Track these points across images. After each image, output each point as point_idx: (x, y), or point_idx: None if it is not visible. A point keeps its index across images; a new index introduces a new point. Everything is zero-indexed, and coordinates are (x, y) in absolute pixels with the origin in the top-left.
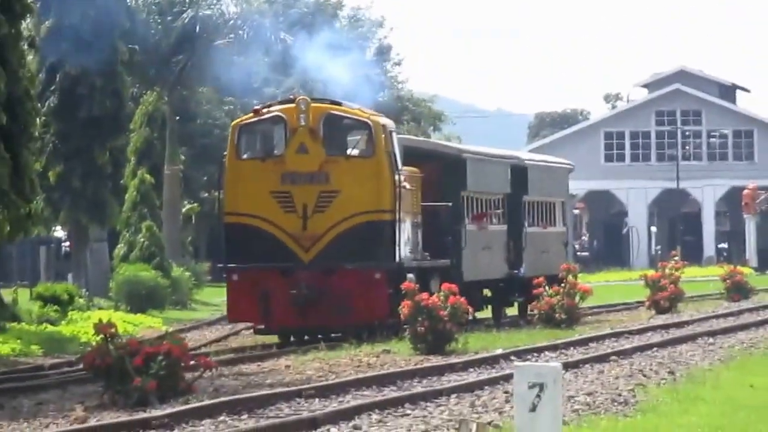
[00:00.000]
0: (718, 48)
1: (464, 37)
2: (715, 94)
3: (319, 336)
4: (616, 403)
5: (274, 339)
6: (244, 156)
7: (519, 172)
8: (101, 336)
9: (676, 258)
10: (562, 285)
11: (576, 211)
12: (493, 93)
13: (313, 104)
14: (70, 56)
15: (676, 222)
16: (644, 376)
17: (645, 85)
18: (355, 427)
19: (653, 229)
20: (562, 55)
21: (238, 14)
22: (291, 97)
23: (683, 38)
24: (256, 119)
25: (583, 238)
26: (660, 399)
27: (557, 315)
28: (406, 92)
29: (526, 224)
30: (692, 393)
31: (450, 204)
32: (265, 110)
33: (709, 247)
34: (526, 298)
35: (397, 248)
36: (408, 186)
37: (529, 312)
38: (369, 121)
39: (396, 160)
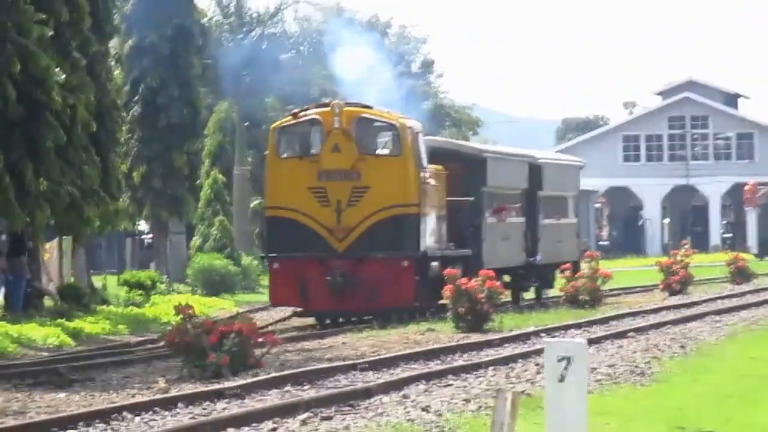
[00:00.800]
0: (722, 59)
1: (500, 50)
2: (720, 101)
3: (353, 318)
4: (633, 374)
5: (312, 321)
6: (284, 155)
7: (534, 170)
8: (180, 317)
9: (686, 246)
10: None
11: (598, 205)
12: (524, 101)
13: (346, 108)
14: (151, 71)
15: (686, 214)
16: (658, 350)
17: (658, 93)
18: (404, 396)
19: (666, 221)
20: (587, 67)
21: (299, 33)
22: (326, 101)
23: (692, 50)
24: (294, 122)
25: (604, 228)
26: (672, 370)
27: (581, 297)
28: (448, 101)
29: (541, 217)
30: (701, 365)
31: (472, 199)
32: (302, 113)
33: (715, 237)
34: (542, 283)
35: (422, 239)
36: (433, 182)
37: (558, 293)
38: (396, 123)
39: (421, 159)
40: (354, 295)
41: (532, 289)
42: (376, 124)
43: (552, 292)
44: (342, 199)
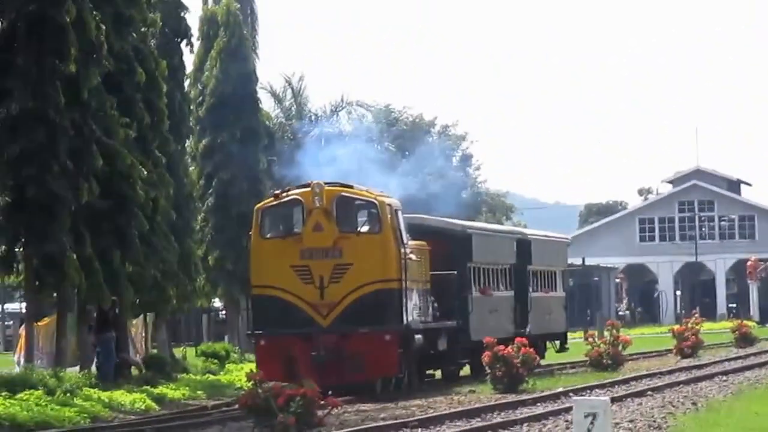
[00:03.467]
0: (726, 149)
1: (530, 143)
2: (725, 187)
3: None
4: (651, 428)
5: None
6: (267, 235)
7: (524, 245)
8: (252, 382)
9: (696, 315)
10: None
11: (617, 280)
12: (552, 188)
13: (326, 187)
14: (222, 167)
15: (696, 287)
16: (673, 406)
17: (669, 181)
18: None
19: (678, 293)
20: (606, 157)
21: (352, 131)
22: (307, 182)
23: (699, 141)
24: (276, 202)
25: (623, 301)
26: (686, 424)
27: (604, 360)
28: (484, 190)
29: (530, 290)
30: (711, 419)
31: (456, 273)
32: (284, 194)
33: (721, 306)
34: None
35: (404, 312)
36: (414, 257)
37: (584, 357)
38: (376, 201)
39: (402, 235)
40: (339, 368)
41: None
42: (356, 202)
43: (566, 357)
44: (325, 275)
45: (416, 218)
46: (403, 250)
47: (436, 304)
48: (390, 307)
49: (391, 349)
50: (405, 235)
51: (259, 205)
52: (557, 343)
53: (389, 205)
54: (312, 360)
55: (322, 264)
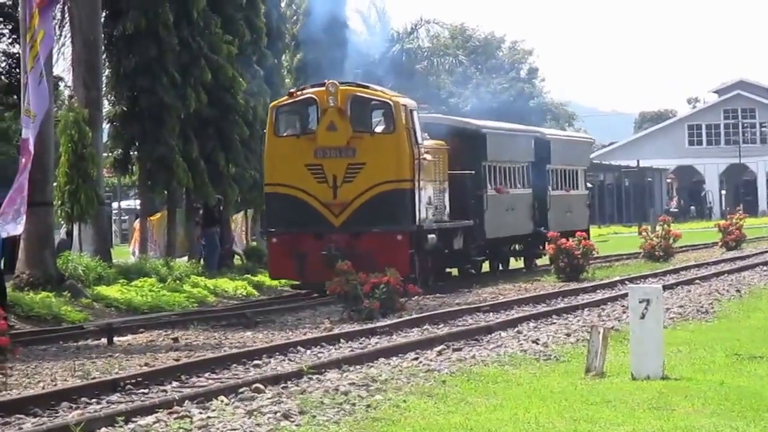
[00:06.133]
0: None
1: (590, 52)
2: (766, 96)
3: None
4: (699, 313)
5: None
6: (282, 133)
7: (542, 145)
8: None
9: (740, 212)
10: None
11: (668, 180)
12: (609, 97)
13: (341, 87)
14: (313, 79)
15: (739, 186)
16: (719, 293)
17: (715, 91)
18: (518, 332)
19: (723, 192)
20: (659, 68)
21: (430, 47)
22: (322, 82)
23: (742, 54)
24: (291, 101)
25: (674, 199)
26: (730, 309)
27: (657, 252)
28: (549, 99)
29: (550, 188)
30: (752, 305)
31: (473, 172)
32: (298, 93)
33: (762, 204)
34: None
35: (417, 212)
36: (430, 157)
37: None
38: (390, 101)
39: (416, 136)
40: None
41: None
42: (371, 102)
43: (622, 249)
44: (338, 175)
45: (434, 118)
46: (417, 150)
47: (453, 204)
48: (402, 207)
49: (402, 248)
50: (420, 135)
51: (273, 103)
52: None
53: (404, 105)
54: (323, 259)
55: (335, 163)
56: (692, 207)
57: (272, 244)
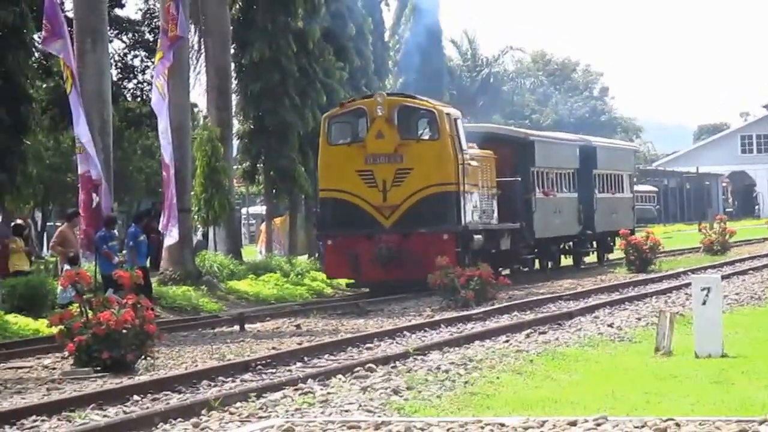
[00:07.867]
0: None
1: (656, 71)
2: None
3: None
4: (753, 299)
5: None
6: (334, 142)
7: (589, 151)
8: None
9: None
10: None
11: (723, 184)
12: (672, 111)
13: (388, 98)
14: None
15: None
16: None
17: (765, 106)
18: (595, 317)
19: None
20: (716, 84)
21: (515, 70)
22: (370, 93)
23: None
24: (342, 111)
25: (729, 199)
26: None
27: (715, 246)
28: (619, 115)
29: (596, 192)
30: None
31: (520, 179)
32: (349, 104)
33: None
34: (602, 248)
35: (462, 214)
36: (474, 163)
37: (698, 244)
38: (435, 110)
39: (460, 142)
40: (400, 266)
41: (594, 254)
42: (417, 111)
43: (684, 244)
44: (387, 179)
45: (484, 127)
46: (461, 156)
47: (501, 207)
48: (448, 208)
49: (448, 247)
50: (464, 142)
51: (326, 114)
52: None
53: (448, 114)
54: (375, 258)
55: (384, 168)
56: (756, 206)
57: (327, 245)
